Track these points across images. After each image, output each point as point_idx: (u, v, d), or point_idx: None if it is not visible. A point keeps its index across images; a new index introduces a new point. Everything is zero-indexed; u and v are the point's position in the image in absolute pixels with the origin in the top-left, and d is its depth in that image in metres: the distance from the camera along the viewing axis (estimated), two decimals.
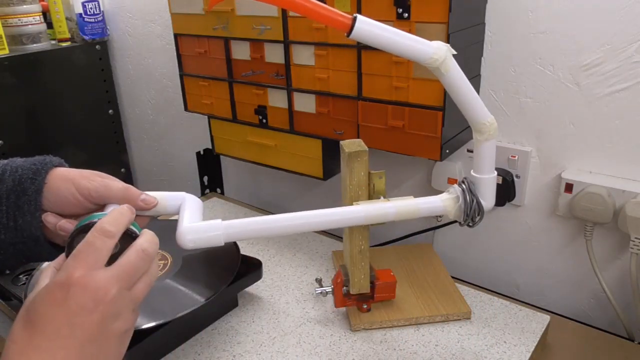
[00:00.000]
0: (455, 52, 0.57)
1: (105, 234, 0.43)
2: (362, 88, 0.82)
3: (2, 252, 0.53)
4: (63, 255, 0.47)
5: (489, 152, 0.63)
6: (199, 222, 0.57)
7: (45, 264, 0.46)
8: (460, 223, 0.65)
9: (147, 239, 0.46)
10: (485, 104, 0.61)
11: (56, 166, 0.55)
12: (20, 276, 0.81)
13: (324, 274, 0.88)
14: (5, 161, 0.55)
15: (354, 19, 0.52)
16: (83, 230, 0.46)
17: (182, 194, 0.60)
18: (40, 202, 0.52)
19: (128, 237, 0.46)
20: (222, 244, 0.57)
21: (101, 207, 0.54)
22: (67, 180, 0.53)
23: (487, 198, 0.65)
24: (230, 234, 0.57)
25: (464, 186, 0.64)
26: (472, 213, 0.63)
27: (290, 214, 0.61)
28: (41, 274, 0.45)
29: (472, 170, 0.65)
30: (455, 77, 0.58)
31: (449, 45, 0.56)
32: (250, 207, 1.17)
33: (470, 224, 0.65)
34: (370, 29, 0.53)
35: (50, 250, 0.54)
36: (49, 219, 0.53)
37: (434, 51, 0.56)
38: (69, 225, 0.52)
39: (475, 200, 0.63)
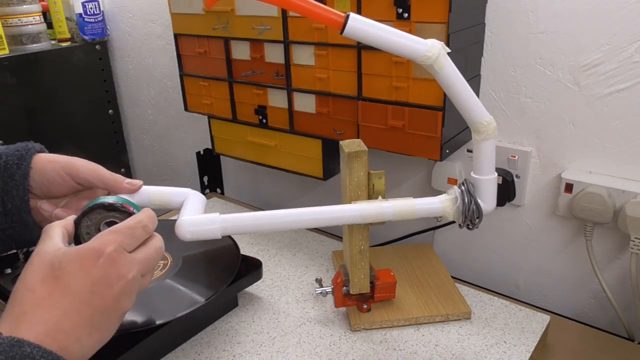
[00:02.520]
0: (449, 50, 0.57)
1: (145, 228, 0.47)
2: (362, 88, 0.82)
3: None
4: (71, 218, 0.49)
5: (488, 152, 0.63)
6: (198, 215, 0.58)
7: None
8: (459, 225, 0.65)
9: (160, 239, 0.50)
10: (485, 104, 0.61)
11: (38, 152, 0.57)
12: None
13: (324, 274, 0.88)
14: None
15: (347, 17, 0.53)
16: (102, 207, 0.49)
17: (187, 190, 0.62)
18: (27, 186, 0.54)
19: None
20: (219, 237, 0.59)
21: (87, 188, 0.57)
22: (52, 161, 0.56)
23: (487, 200, 0.64)
24: (227, 227, 0.59)
25: (463, 188, 0.64)
26: (470, 215, 0.63)
27: (286, 210, 0.61)
28: (53, 229, 0.46)
29: (472, 172, 0.65)
30: (450, 75, 0.57)
31: (442, 43, 0.56)
32: (250, 207, 1.17)
33: (470, 226, 0.64)
34: (362, 27, 0.54)
35: (40, 234, 0.55)
36: (45, 207, 0.55)
37: (427, 49, 0.56)
38: (64, 213, 0.54)
39: (473, 202, 0.63)
